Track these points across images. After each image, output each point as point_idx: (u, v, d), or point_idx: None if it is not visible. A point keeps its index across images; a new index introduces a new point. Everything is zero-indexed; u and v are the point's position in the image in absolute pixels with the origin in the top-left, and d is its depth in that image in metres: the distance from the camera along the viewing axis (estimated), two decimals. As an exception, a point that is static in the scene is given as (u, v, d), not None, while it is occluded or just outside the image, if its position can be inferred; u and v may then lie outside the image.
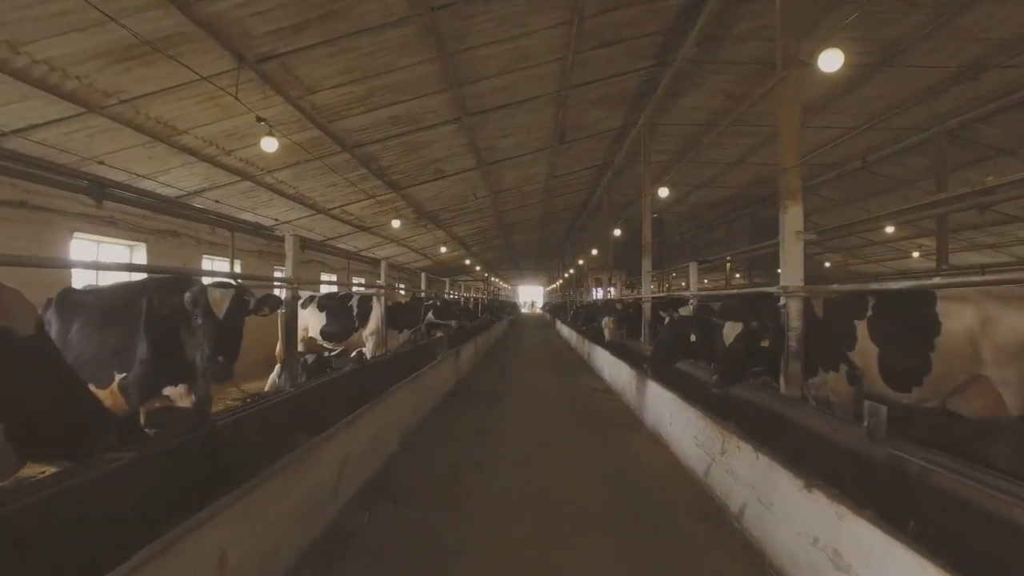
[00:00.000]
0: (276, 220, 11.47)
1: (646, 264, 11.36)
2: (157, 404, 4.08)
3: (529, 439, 5.75)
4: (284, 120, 7.42)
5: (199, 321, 3.62)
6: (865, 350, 4.73)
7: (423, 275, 11.54)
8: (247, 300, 3.82)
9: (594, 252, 21.85)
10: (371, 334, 9.16)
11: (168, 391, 4.03)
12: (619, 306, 12.62)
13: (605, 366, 9.80)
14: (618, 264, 19.65)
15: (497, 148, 11.26)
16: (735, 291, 6.05)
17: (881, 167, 14.26)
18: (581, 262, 25.08)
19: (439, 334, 13.15)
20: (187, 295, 3.61)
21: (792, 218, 5.20)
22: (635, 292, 20.97)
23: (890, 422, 3.15)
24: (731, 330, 4.69)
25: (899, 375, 4.61)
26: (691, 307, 7.99)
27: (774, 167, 15.98)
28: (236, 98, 6.04)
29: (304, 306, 9.57)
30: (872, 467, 3.23)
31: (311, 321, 9.49)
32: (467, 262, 27.42)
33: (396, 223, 13.22)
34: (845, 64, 8.58)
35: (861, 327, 4.78)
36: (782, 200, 5.31)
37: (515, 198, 16.98)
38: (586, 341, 13.48)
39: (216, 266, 11.26)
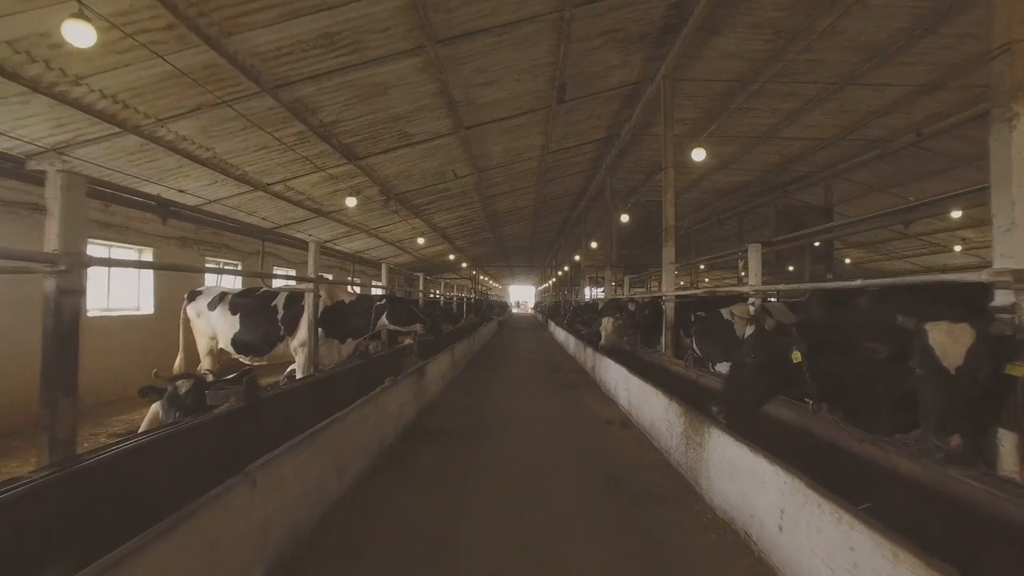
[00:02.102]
0: (183, 192, 8.87)
1: (668, 254, 8.94)
2: None
3: (519, 554, 3.26)
4: (141, 22, 4.86)
5: None
6: None
7: (383, 266, 9.06)
8: None
9: (593, 245, 19.42)
10: (302, 345, 6.68)
11: None
12: (632, 306, 10.21)
13: (621, 386, 7.36)
14: (621, 259, 17.26)
15: (478, 102, 8.76)
16: (894, 280, 3.55)
17: (937, 142, 11.96)
18: (577, 258, 22.67)
19: (407, 342, 10.74)
20: None
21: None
22: (633, 290, 18.62)
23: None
24: (950, 338, 2.30)
25: None
26: (750, 307, 5.60)
27: (808, 141, 13.57)
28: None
29: (212, 307, 7.06)
30: None
31: (221, 327, 6.96)
32: (451, 258, 24.88)
33: (351, 201, 10.68)
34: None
35: None
36: (1007, 104, 2.84)
37: (504, 179, 14.50)
38: (588, 349, 11.07)
39: (98, 253, 8.69)
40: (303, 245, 6.30)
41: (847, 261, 23.33)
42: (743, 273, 21.73)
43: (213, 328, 6.96)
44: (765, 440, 3.41)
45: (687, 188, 18.03)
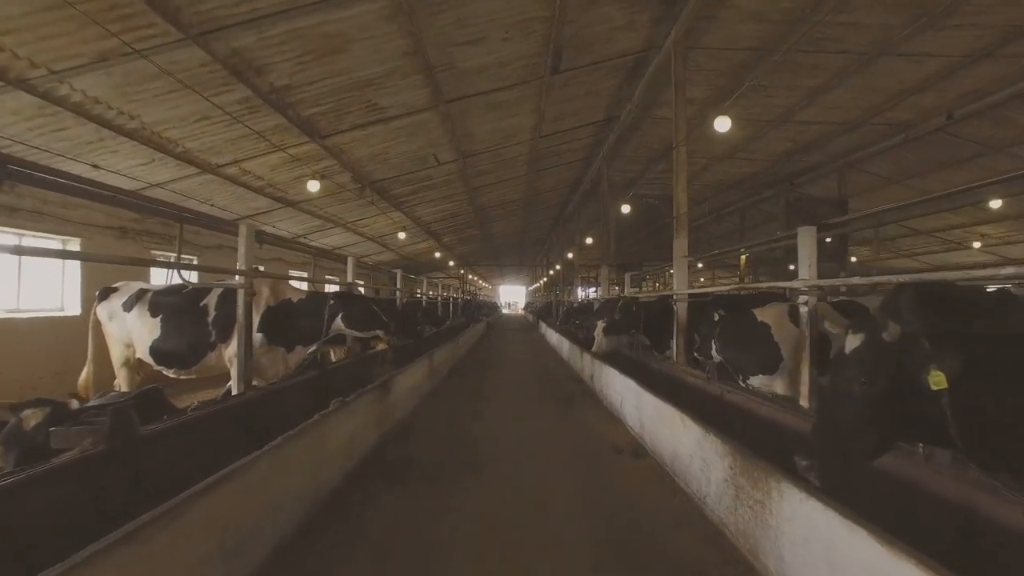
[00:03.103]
0: (108, 172, 7.50)
1: (680, 246, 7.76)
2: None
3: None
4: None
5: None
6: None
7: (349, 261, 7.78)
8: None
9: (589, 241, 18.21)
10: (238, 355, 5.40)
11: None
12: (634, 307, 8.98)
13: (628, 403, 6.12)
14: (620, 255, 16.03)
15: (460, 67, 7.49)
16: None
17: (967, 126, 10.87)
18: (570, 255, 21.47)
19: (380, 347, 9.49)
20: None
21: None
22: (626, 290, 17.45)
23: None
24: None
25: None
26: (802, 309, 4.41)
27: (826, 125, 12.33)
28: None
29: (128, 307, 5.73)
30: None
31: (138, 332, 5.62)
32: (437, 255, 23.57)
33: (314, 185, 9.34)
34: None
35: None
36: None
37: (492, 167, 13.24)
38: (584, 355, 9.86)
39: (5, 242, 7.32)
40: (236, 229, 5.01)
41: (853, 259, 22.31)
42: (740, 272, 20.54)
43: (129, 333, 5.62)
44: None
45: (690, 179, 16.86)
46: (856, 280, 4.09)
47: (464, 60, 7.24)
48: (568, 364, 11.99)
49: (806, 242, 4.34)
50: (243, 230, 4.77)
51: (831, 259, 14.87)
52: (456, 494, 3.97)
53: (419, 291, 15.23)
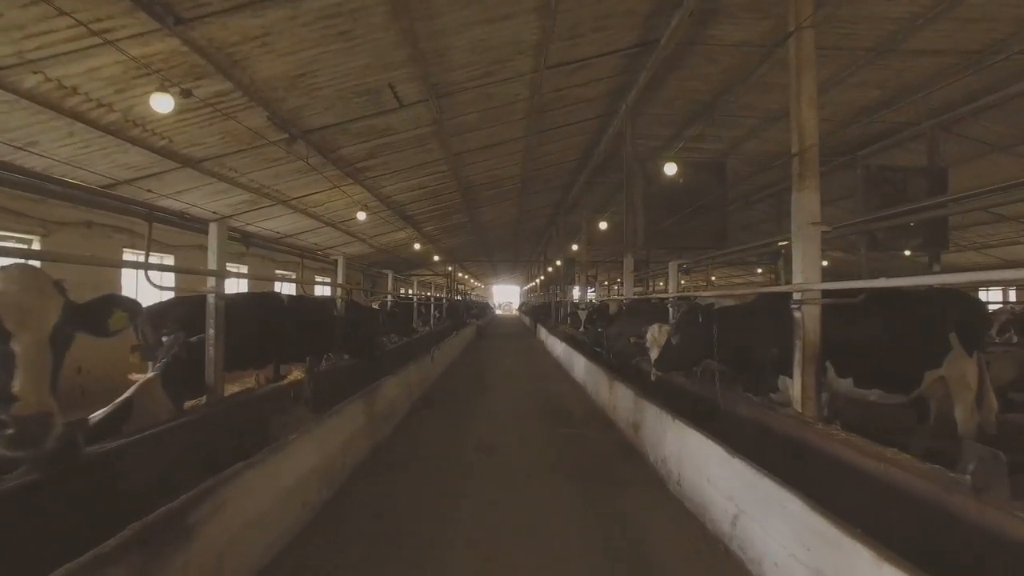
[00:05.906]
0: None
1: (806, 204, 4.34)
2: None
3: None
4: None
5: None
6: None
7: (212, 228, 4.27)
8: None
9: (603, 226, 14.73)
10: None
11: None
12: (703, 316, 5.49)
13: (775, 540, 2.64)
14: (651, 242, 12.48)
15: None
16: None
17: None
18: (575, 247, 18.04)
19: (293, 375, 6.03)
20: None
21: None
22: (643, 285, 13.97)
23: None
24: None
25: None
26: None
27: (943, 58, 7.43)
28: None
29: None
30: None
31: None
32: (417, 247, 19.96)
33: (164, 103, 5.42)
34: None
35: None
36: None
37: (478, 119, 9.73)
38: (617, 385, 6.46)
39: None
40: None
41: (907, 252, 18.98)
42: (778, 267, 16.89)
43: None
44: None
45: (714, 157, 13.24)
46: None
47: None
48: (584, 390, 8.55)
49: None
50: None
51: (922, 248, 11.56)
52: None
53: (405, 290, 11.75)
